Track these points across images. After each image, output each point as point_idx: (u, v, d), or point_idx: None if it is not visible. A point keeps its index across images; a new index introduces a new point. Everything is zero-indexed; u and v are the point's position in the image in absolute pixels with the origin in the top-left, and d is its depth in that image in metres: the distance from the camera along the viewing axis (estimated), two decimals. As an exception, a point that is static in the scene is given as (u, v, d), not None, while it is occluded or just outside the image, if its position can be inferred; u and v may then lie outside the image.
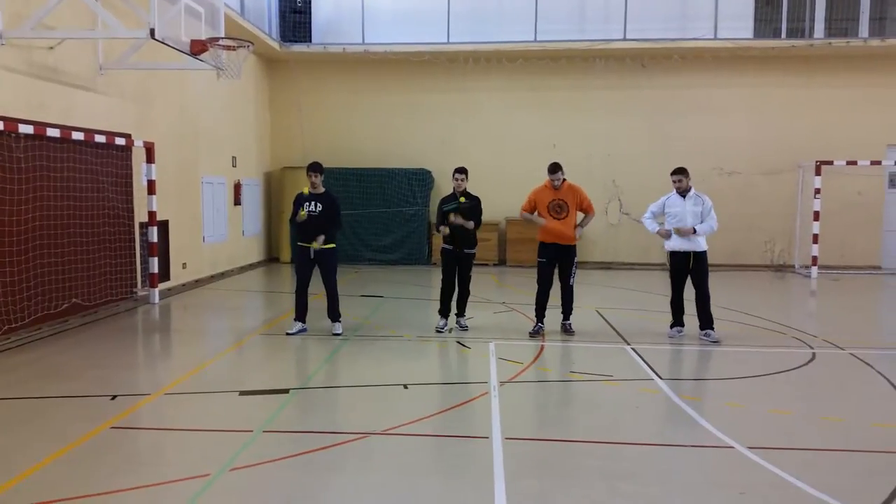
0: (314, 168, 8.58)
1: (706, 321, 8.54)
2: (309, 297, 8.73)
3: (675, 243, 8.44)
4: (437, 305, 9.07)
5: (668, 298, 8.73)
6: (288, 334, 8.61)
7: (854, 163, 14.62)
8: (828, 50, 15.16)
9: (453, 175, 8.85)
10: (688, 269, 8.46)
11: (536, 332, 8.74)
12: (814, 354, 7.94)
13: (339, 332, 8.66)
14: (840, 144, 15.51)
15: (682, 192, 8.47)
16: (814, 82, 15.79)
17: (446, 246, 8.84)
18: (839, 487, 4.39)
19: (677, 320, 8.69)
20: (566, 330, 8.81)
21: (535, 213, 8.77)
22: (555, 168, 8.64)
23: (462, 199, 8.70)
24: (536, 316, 8.85)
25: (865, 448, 5.16)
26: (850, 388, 6.78)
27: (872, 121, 15.68)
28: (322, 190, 8.59)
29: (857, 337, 8.96)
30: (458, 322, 9.03)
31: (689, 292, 8.54)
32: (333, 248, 8.62)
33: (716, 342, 8.39)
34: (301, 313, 8.73)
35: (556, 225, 8.61)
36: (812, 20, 15.62)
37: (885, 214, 16.02)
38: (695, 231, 8.30)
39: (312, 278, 8.63)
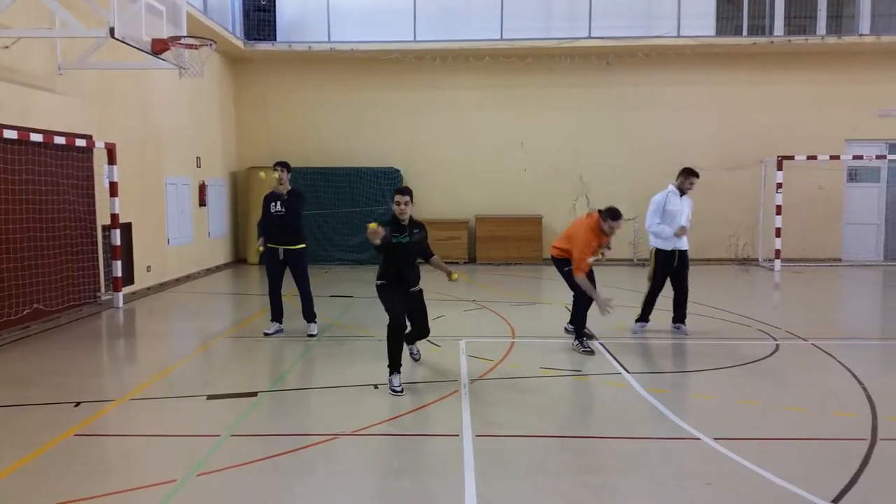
0: (282, 163, 8.51)
1: (682, 315, 8.75)
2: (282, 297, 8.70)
3: (668, 242, 8.56)
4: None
5: (636, 293, 8.82)
6: (266, 335, 8.57)
7: (814, 157, 14.94)
8: (787, 47, 15.47)
9: (394, 198, 6.57)
10: (672, 266, 8.63)
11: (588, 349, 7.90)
12: (777, 346, 8.09)
13: (314, 332, 8.61)
14: (800, 140, 15.83)
15: (684, 193, 8.62)
16: (774, 79, 16.10)
17: (382, 282, 6.71)
18: (802, 475, 4.49)
19: (645, 316, 8.81)
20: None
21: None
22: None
23: (411, 235, 6.62)
24: (579, 331, 8.01)
25: (827, 436, 5.28)
26: (812, 378, 6.93)
27: (831, 116, 16.04)
28: (288, 188, 8.49)
29: (819, 328, 9.16)
30: (409, 350, 7.39)
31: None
32: (303, 248, 8.58)
33: (686, 335, 8.58)
34: (277, 314, 8.69)
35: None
36: (772, 18, 15.91)
37: (844, 208, 16.40)
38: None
39: (284, 280, 8.59)
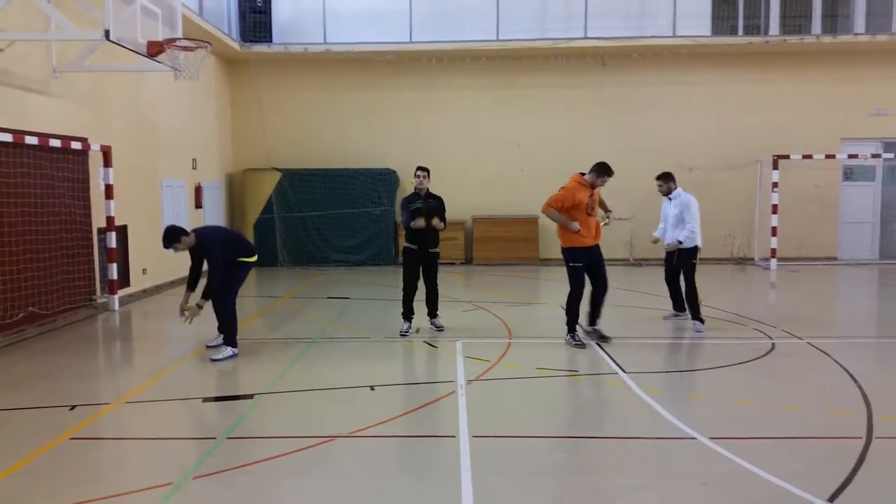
0: (168, 241, 7.42)
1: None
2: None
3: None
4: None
5: (634, 293, 8.81)
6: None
7: (810, 157, 14.97)
8: (783, 47, 15.49)
9: (415, 173, 8.70)
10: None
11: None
12: (773, 345, 8.10)
13: (219, 357, 7.69)
14: (796, 139, 15.86)
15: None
16: (770, 78, 16.13)
17: (409, 245, 8.70)
18: (798, 473, 4.49)
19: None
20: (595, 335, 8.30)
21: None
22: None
23: (425, 202, 8.64)
24: (571, 324, 8.15)
25: (823, 435, 5.29)
26: (807, 377, 6.93)
27: (826, 115, 16.08)
28: (193, 242, 7.59)
29: (815, 326, 9.18)
30: (432, 323, 8.94)
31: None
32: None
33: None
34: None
35: (593, 222, 8.22)
36: (767, 18, 15.95)
37: (840, 206, 16.43)
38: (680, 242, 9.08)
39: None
